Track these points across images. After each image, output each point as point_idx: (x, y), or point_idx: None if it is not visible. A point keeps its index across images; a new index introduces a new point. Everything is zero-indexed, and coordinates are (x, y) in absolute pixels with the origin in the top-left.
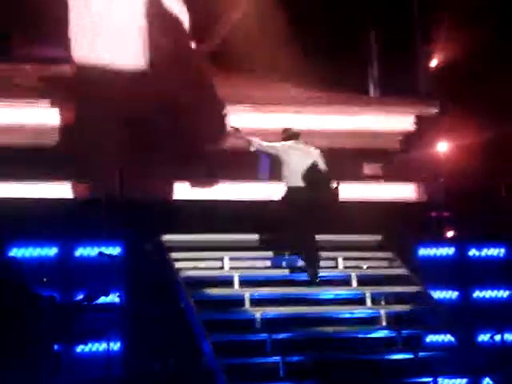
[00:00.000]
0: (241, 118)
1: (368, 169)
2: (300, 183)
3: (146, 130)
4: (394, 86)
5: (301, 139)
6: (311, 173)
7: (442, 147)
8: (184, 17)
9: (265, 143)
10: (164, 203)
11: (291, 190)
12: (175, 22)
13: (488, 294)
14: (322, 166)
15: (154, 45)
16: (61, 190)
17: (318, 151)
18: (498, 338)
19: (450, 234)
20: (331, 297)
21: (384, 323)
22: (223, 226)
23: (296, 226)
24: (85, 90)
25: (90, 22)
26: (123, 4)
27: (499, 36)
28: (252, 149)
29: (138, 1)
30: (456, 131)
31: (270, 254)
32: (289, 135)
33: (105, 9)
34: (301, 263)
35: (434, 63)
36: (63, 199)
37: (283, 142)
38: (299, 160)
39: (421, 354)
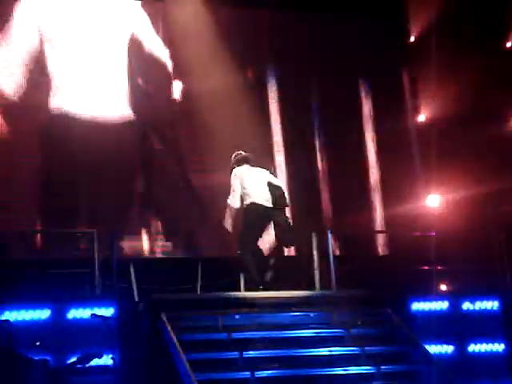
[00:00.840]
0: None
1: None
2: (257, 201)
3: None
4: None
5: (251, 161)
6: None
7: (434, 200)
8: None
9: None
10: (157, 262)
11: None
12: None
13: (483, 347)
14: (275, 182)
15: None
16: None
17: (267, 171)
18: None
19: (443, 287)
20: (326, 353)
21: (380, 380)
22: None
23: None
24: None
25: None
26: (102, 54)
27: (490, 86)
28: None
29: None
30: (448, 184)
31: (265, 311)
32: (240, 159)
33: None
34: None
35: (422, 117)
36: (55, 260)
37: (238, 168)
38: (253, 181)
39: None
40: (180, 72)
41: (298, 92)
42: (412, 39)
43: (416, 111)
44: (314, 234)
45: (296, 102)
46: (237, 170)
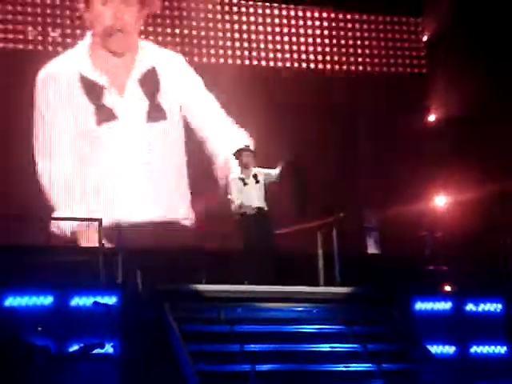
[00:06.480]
0: None
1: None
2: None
3: None
4: None
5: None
6: None
7: (440, 201)
8: None
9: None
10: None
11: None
12: None
13: (485, 349)
14: None
15: None
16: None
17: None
18: None
19: (447, 288)
20: (327, 350)
21: (380, 378)
22: (219, 276)
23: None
24: None
25: None
26: None
27: (501, 90)
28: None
29: None
30: (454, 185)
31: (268, 306)
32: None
33: None
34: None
35: (432, 117)
36: (59, 247)
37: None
38: None
39: None
40: None
41: None
42: (425, 38)
43: (426, 111)
44: (318, 232)
45: None
46: None
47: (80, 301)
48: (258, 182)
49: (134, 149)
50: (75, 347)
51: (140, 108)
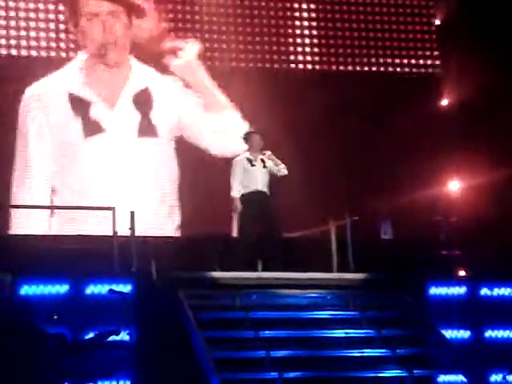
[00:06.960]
0: None
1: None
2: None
3: None
4: None
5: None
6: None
7: (455, 186)
8: None
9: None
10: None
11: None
12: None
13: (500, 333)
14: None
15: None
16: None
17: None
18: (510, 378)
19: (461, 272)
20: (342, 335)
21: (395, 363)
22: (233, 263)
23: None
24: None
25: None
26: None
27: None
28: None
29: None
30: (467, 170)
31: (282, 292)
32: None
33: None
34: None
35: (445, 101)
36: (75, 236)
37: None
38: None
39: None
40: None
41: None
42: (438, 22)
43: (439, 97)
44: (331, 218)
45: None
46: None
47: (95, 289)
48: (265, 167)
49: (122, 161)
50: (91, 335)
51: (131, 122)
